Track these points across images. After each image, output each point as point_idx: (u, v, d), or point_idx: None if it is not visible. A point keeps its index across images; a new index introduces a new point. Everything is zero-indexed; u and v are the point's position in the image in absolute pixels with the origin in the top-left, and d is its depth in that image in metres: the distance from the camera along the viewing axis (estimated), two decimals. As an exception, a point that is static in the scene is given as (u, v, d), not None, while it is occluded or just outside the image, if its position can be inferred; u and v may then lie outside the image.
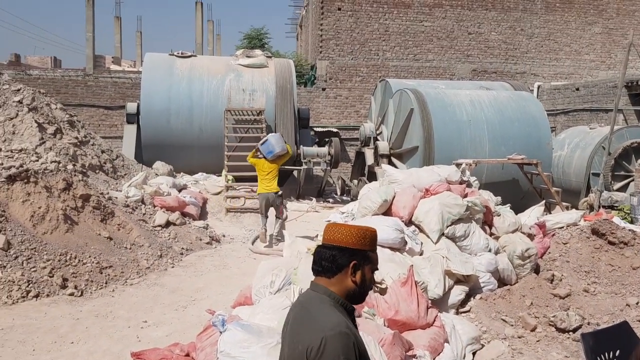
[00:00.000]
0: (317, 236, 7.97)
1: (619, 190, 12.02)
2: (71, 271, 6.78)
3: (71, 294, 6.45)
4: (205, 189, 11.76)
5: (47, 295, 6.32)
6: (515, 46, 20.24)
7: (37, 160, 8.54)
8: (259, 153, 9.19)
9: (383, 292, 4.94)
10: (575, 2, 20.50)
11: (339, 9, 18.91)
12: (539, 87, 19.45)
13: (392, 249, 5.91)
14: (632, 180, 11.45)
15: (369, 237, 2.10)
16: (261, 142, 9.33)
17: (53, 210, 7.47)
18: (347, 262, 2.05)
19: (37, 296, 6.25)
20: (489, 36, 20.03)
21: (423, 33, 19.52)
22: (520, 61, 20.31)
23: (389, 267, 5.31)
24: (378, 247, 6.03)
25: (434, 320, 4.75)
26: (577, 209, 10.57)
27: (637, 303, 5.74)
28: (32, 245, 6.80)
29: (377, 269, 2.17)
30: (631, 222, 8.71)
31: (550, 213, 9.94)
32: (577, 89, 17.60)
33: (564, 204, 10.59)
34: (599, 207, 10.26)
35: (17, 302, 6.09)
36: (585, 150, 13.44)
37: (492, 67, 20.13)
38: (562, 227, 7.77)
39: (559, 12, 20.44)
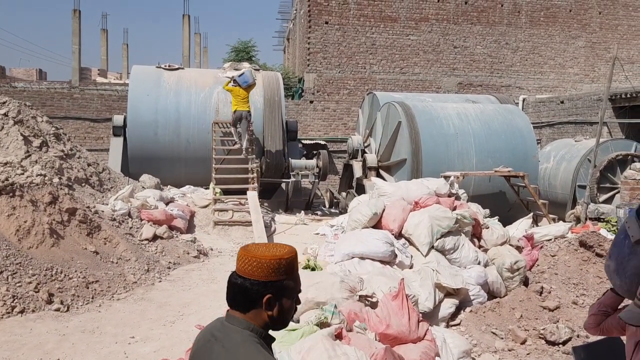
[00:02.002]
0: (306, 249, 7.95)
1: (604, 202, 12.13)
2: (57, 286, 6.68)
3: (57, 310, 6.34)
4: (193, 202, 11.67)
5: (33, 311, 6.22)
6: (500, 60, 20.47)
7: (23, 174, 8.43)
8: (235, 83, 12.38)
9: (374, 305, 4.92)
10: (559, 16, 20.81)
11: (326, 23, 19.02)
12: (524, 100, 19.66)
13: (382, 262, 5.92)
14: (618, 192, 11.56)
15: (284, 266, 1.84)
16: (238, 74, 12.62)
17: (39, 224, 7.37)
18: (260, 297, 1.82)
19: (22, 312, 6.14)
20: (475, 50, 20.24)
21: (409, 47, 19.68)
22: (505, 74, 20.53)
23: (379, 281, 5.30)
24: (369, 260, 6.05)
25: (425, 334, 4.73)
26: (564, 221, 10.64)
27: (625, 315, 5.76)
28: (18, 260, 6.70)
29: (299, 292, 1.94)
30: (617, 234, 8.77)
31: (537, 225, 10.00)
32: (562, 102, 17.81)
33: (550, 216, 10.66)
34: (586, 219, 10.34)
35: (2, 317, 5.98)
36: (570, 162, 13.57)
37: (477, 80, 20.32)
38: (550, 240, 7.82)
39: (543, 26, 20.73)
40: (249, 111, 12.57)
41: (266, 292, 1.82)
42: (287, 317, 1.90)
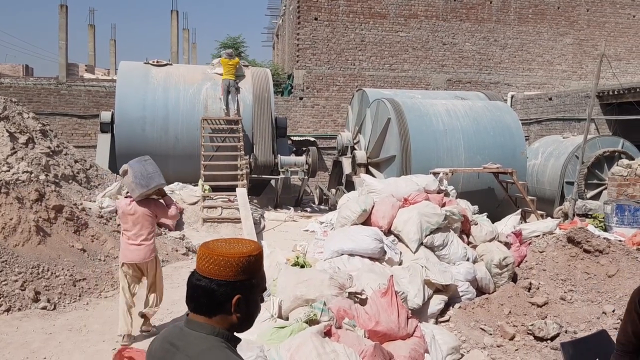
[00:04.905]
0: (296, 246, 7.92)
1: (592, 198, 12.21)
2: (44, 284, 6.62)
3: (44, 308, 6.29)
4: (182, 198, 11.59)
5: (19, 309, 6.16)
6: (489, 56, 20.53)
7: (9, 171, 8.34)
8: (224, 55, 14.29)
9: (363, 302, 4.91)
10: (547, 13, 20.90)
11: (316, 19, 18.97)
12: (512, 96, 19.73)
13: (371, 258, 5.92)
14: (605, 188, 11.65)
15: (253, 263, 1.71)
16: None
17: (25, 221, 7.29)
18: (227, 299, 1.68)
19: (8, 310, 6.08)
20: (463, 47, 20.28)
21: (399, 43, 19.68)
22: (494, 71, 20.59)
23: (369, 278, 5.29)
24: (358, 257, 6.04)
25: (414, 331, 4.73)
26: (552, 217, 10.70)
27: (613, 311, 5.80)
28: (3, 257, 6.63)
29: (264, 290, 1.81)
30: (605, 230, 8.84)
31: (525, 221, 10.05)
32: (550, 99, 17.90)
33: (539, 212, 10.71)
34: (574, 216, 10.40)
35: (-13, 316, 5.92)
36: (558, 159, 13.64)
37: (466, 77, 20.36)
38: (538, 236, 7.86)
39: (531, 23, 20.80)
40: (235, 80, 13.64)
41: (235, 293, 1.68)
42: (254, 317, 1.78)
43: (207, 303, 1.70)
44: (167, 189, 12.00)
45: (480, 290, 6.42)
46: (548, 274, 6.77)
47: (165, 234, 9.67)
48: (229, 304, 1.69)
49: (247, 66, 14.98)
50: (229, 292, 1.68)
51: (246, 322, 1.75)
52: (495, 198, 11.72)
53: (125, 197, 5.82)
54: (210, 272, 1.68)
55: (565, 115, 17.07)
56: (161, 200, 5.83)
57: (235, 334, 1.76)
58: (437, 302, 5.78)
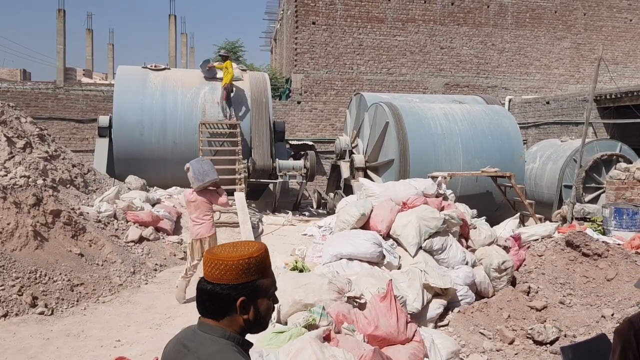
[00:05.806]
0: (294, 250, 7.91)
1: (590, 202, 12.21)
2: (41, 289, 6.59)
3: (41, 313, 6.26)
4: (180, 203, 11.56)
5: (16, 315, 6.13)
6: (486, 60, 20.56)
7: (6, 175, 8.32)
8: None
9: (362, 307, 4.90)
10: (545, 17, 20.96)
11: (314, 23, 18.99)
12: (510, 100, 19.76)
13: (370, 263, 5.90)
14: (603, 191, 11.64)
15: (255, 265, 1.72)
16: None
17: (22, 226, 7.26)
18: (232, 302, 1.71)
19: (5, 315, 6.05)
20: (461, 51, 20.32)
21: (396, 47, 19.71)
22: (491, 75, 20.63)
23: (367, 282, 5.28)
24: (357, 261, 6.02)
25: (414, 335, 4.72)
26: (550, 221, 10.69)
27: (612, 314, 5.80)
28: (1, 262, 6.59)
29: (275, 290, 1.83)
30: (603, 233, 8.83)
31: (524, 225, 10.04)
32: (548, 103, 17.93)
33: (537, 216, 10.71)
34: (572, 219, 10.40)
35: (-16, 322, 5.88)
36: (556, 162, 13.65)
37: (464, 81, 20.40)
38: (537, 240, 7.86)
39: (528, 28, 20.86)
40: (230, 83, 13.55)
41: (239, 296, 1.71)
42: (265, 319, 1.79)
43: (213, 307, 1.74)
44: (165, 193, 12.11)
45: (479, 294, 6.41)
46: (547, 277, 6.77)
47: (163, 238, 9.64)
48: (234, 307, 1.72)
49: (245, 70, 14.98)
50: (233, 295, 1.71)
51: (256, 324, 1.77)
52: (493, 202, 11.72)
53: (190, 189, 7.35)
54: (213, 276, 1.72)
55: (562, 119, 17.10)
56: (216, 190, 7.33)
57: (247, 337, 1.78)
58: (436, 306, 5.77)
